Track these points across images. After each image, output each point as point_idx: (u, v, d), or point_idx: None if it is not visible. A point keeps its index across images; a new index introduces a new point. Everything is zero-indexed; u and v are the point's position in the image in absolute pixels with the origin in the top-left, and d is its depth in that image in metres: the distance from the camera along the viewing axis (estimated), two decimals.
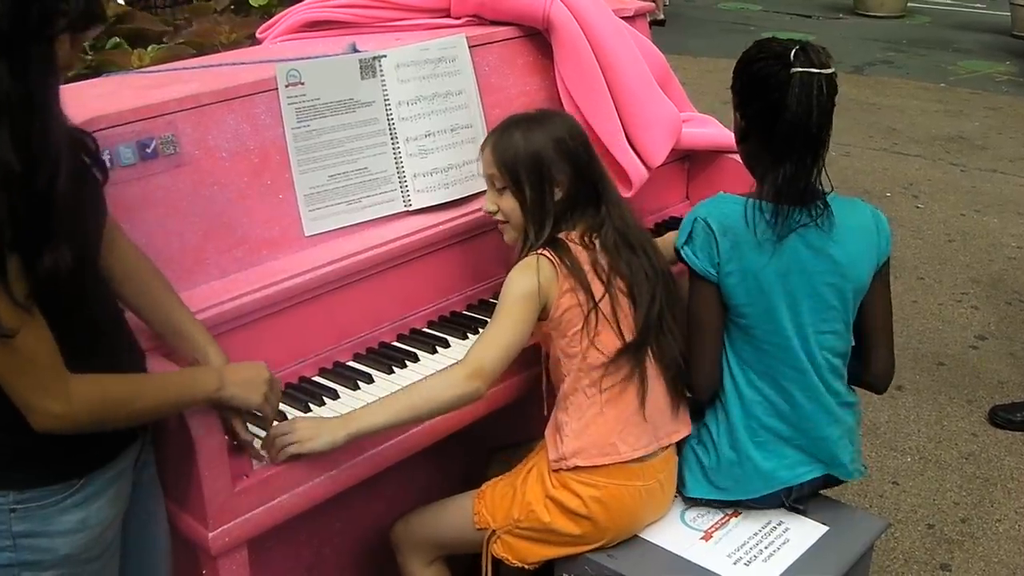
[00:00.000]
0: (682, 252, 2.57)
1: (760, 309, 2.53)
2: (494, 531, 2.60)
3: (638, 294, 2.53)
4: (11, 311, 1.72)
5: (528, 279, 2.45)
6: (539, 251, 2.50)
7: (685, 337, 2.61)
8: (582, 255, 2.51)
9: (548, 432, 2.60)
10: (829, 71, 2.45)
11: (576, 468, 2.52)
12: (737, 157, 3.38)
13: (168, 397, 2.08)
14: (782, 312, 2.53)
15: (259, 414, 2.27)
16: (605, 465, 2.52)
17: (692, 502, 2.68)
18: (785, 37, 2.54)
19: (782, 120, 2.43)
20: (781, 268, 2.50)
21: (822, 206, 2.51)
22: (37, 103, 1.72)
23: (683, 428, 2.67)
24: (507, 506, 2.60)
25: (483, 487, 2.69)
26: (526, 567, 2.61)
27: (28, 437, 1.89)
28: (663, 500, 2.65)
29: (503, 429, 2.84)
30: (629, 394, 2.53)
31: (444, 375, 2.44)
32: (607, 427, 2.52)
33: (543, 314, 2.49)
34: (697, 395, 2.65)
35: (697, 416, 2.70)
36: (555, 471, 2.55)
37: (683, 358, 2.60)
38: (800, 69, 2.41)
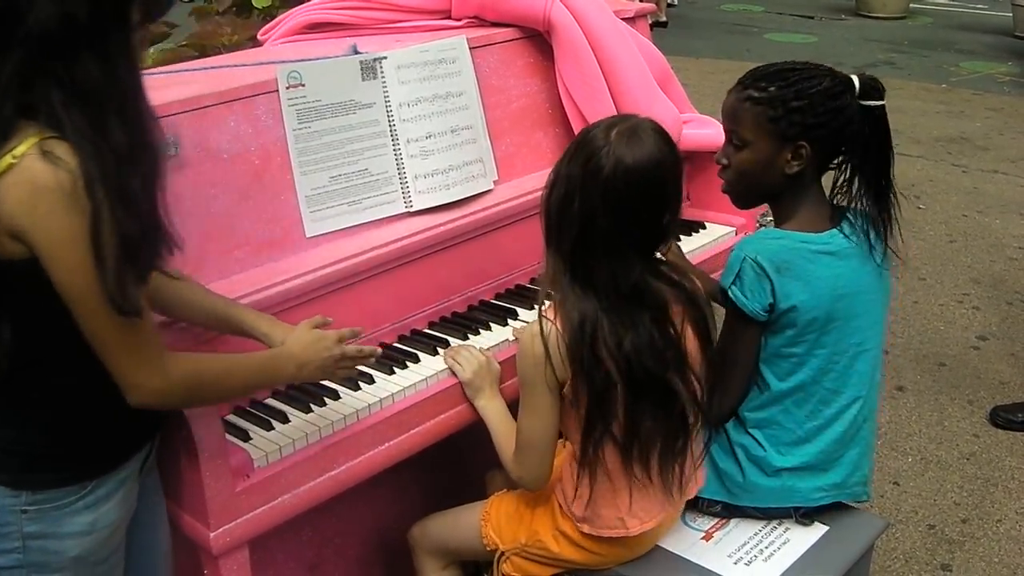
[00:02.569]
0: (730, 293, 2.47)
1: (815, 337, 2.48)
2: (503, 552, 2.60)
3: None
4: (139, 292, 1.80)
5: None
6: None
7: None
8: None
9: (562, 470, 2.52)
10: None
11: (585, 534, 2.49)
12: None
13: (254, 378, 2.19)
14: (839, 337, 2.50)
15: None
16: (613, 538, 2.48)
17: (694, 502, 2.67)
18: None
19: (872, 153, 2.49)
20: (839, 293, 2.47)
21: (864, 225, 2.52)
22: (128, 91, 1.80)
23: (697, 484, 2.60)
24: (514, 528, 2.59)
25: (488, 505, 2.67)
26: None
27: (44, 439, 1.94)
28: (674, 517, 2.62)
29: None
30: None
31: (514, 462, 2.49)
32: (616, 501, 2.42)
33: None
34: (714, 420, 2.57)
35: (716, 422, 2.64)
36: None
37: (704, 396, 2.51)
38: (878, 103, 2.46)
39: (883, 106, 2.48)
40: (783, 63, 2.53)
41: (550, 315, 2.29)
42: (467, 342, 2.71)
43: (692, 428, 2.39)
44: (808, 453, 2.57)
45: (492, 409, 2.57)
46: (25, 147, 1.70)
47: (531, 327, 2.32)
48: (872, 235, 2.51)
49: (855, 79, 2.46)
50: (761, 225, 3.43)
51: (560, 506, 2.51)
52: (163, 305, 2.21)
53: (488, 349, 2.68)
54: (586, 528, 2.47)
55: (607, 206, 2.19)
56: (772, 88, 2.46)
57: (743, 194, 2.61)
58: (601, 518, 2.44)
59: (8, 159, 1.70)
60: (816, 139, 2.45)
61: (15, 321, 1.85)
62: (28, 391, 1.91)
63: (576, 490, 2.42)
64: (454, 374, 2.61)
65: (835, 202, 2.57)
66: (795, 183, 2.50)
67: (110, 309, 1.77)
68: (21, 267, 1.76)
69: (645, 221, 2.25)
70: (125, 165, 1.77)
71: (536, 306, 2.38)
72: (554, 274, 2.31)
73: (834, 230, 2.50)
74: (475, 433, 2.63)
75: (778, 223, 2.56)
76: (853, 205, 2.53)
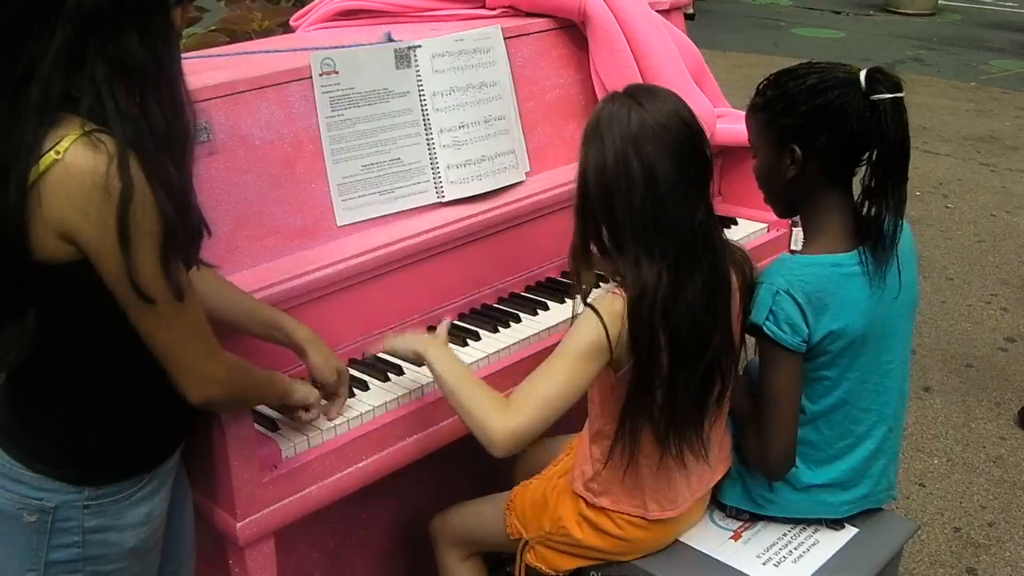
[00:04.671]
0: (765, 329, 2.36)
1: (849, 361, 2.43)
2: (527, 541, 2.58)
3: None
4: (182, 275, 1.81)
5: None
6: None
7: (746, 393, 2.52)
8: None
9: (579, 453, 2.52)
10: (903, 94, 2.33)
11: (603, 509, 2.48)
12: None
13: (267, 385, 2.19)
14: (872, 356, 2.45)
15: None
16: (632, 515, 2.47)
17: (721, 505, 2.65)
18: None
19: (877, 151, 2.34)
20: (870, 316, 2.41)
21: (892, 236, 2.40)
22: (167, 70, 1.81)
23: (724, 467, 2.58)
24: (538, 516, 2.57)
25: (513, 494, 2.66)
26: (558, 574, 2.59)
27: (105, 436, 1.95)
28: (699, 510, 2.60)
29: None
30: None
31: (502, 409, 2.26)
32: (638, 484, 2.42)
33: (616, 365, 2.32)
34: (769, 471, 2.51)
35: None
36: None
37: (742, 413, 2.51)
38: (886, 96, 2.29)
39: (894, 99, 2.31)
40: (789, 67, 2.47)
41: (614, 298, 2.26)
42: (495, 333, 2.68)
43: (720, 399, 2.38)
44: (838, 470, 2.54)
45: (438, 355, 2.37)
46: (67, 142, 1.70)
47: (612, 303, 2.24)
48: (887, 243, 2.40)
49: (861, 73, 2.34)
50: (793, 223, 3.38)
51: (578, 490, 2.50)
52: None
53: (517, 343, 2.67)
54: (606, 503, 2.45)
55: (666, 152, 2.19)
56: (768, 93, 2.42)
57: (769, 202, 2.56)
58: (624, 494, 2.44)
59: (51, 155, 1.69)
60: (806, 140, 2.36)
61: (65, 321, 1.85)
62: (86, 389, 1.91)
63: (602, 466, 2.42)
64: (403, 358, 2.54)
65: (865, 208, 2.43)
66: (809, 191, 2.42)
67: (168, 296, 1.78)
68: (70, 271, 1.76)
69: (697, 153, 2.25)
70: (162, 145, 1.78)
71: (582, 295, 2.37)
72: (615, 259, 2.28)
73: (860, 248, 2.40)
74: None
75: (806, 240, 2.49)
76: (876, 212, 2.41)
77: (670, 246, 2.21)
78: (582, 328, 2.26)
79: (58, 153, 1.69)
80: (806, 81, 2.36)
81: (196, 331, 1.88)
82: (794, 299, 2.34)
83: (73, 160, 1.69)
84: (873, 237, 2.38)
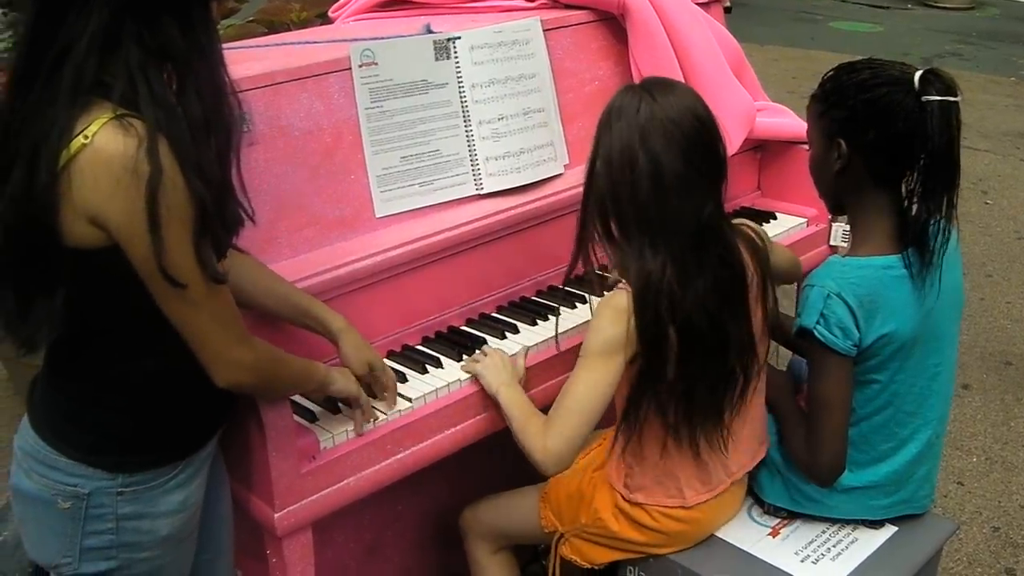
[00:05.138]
0: (816, 333, 2.33)
1: (899, 364, 2.40)
2: (562, 534, 2.57)
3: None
4: (216, 262, 1.82)
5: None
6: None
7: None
8: None
9: (613, 449, 2.50)
10: (959, 98, 2.28)
11: (639, 504, 2.47)
12: None
13: (301, 373, 2.18)
14: (921, 358, 2.43)
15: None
16: (669, 506, 2.46)
17: (761, 501, 2.63)
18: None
19: (921, 154, 2.29)
20: (921, 315, 2.38)
21: (943, 247, 2.36)
22: (206, 58, 1.82)
23: (761, 451, 2.57)
24: (574, 509, 2.56)
25: (547, 486, 2.64)
26: (594, 567, 2.59)
27: (139, 422, 1.96)
28: (735, 502, 2.59)
29: None
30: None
31: (543, 435, 2.34)
32: (672, 471, 2.41)
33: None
34: (820, 478, 2.49)
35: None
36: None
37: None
38: (936, 98, 2.25)
39: (942, 102, 2.26)
40: (851, 60, 2.43)
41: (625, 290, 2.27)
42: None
43: (743, 389, 2.36)
44: (881, 473, 2.52)
45: (510, 394, 2.46)
46: (96, 125, 1.70)
47: (617, 299, 2.27)
48: (933, 249, 2.35)
49: (917, 73, 2.29)
50: (832, 218, 3.36)
51: (615, 486, 2.49)
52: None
53: (560, 335, 2.64)
54: (641, 498, 2.44)
55: (673, 146, 2.19)
56: (826, 85, 2.41)
57: (820, 196, 2.54)
58: (657, 484, 2.43)
59: (80, 140, 1.70)
60: (851, 135, 2.34)
61: (99, 306, 1.86)
62: (121, 374, 1.92)
63: (624, 461, 2.43)
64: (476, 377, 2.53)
65: (913, 209, 2.39)
66: (855, 189, 2.40)
67: (201, 281, 1.79)
68: (101, 256, 1.77)
69: (708, 151, 2.24)
70: (199, 133, 1.78)
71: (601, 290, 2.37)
72: (621, 250, 2.29)
73: (905, 252, 2.37)
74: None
75: (854, 242, 2.46)
76: (921, 216, 2.36)
77: (675, 239, 2.21)
78: (593, 328, 2.30)
79: (87, 137, 1.69)
80: (859, 75, 2.34)
81: (224, 317, 1.89)
82: (845, 302, 2.31)
83: (102, 144, 1.69)
84: (918, 241, 2.35)
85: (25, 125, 1.74)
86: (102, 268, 1.79)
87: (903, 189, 2.37)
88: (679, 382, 2.27)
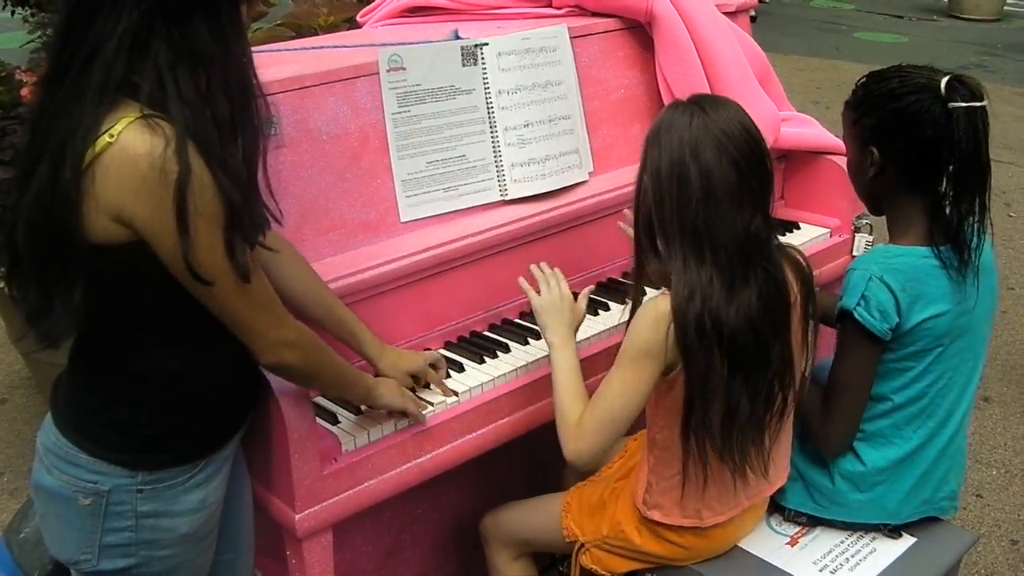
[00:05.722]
0: (856, 315, 2.37)
1: (933, 356, 2.43)
2: (582, 543, 2.57)
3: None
4: (247, 257, 1.84)
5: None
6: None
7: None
8: None
9: (640, 462, 2.51)
10: (986, 103, 2.33)
11: (656, 522, 2.46)
12: (837, 159, 3.34)
13: (346, 374, 2.23)
14: (957, 351, 2.46)
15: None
16: (685, 526, 2.45)
17: (780, 508, 2.64)
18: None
19: (949, 159, 2.33)
20: (958, 311, 2.41)
21: (979, 247, 2.41)
22: (235, 59, 1.84)
23: (781, 478, 2.56)
24: (596, 520, 2.56)
25: (569, 496, 2.65)
26: None
27: (159, 420, 1.97)
28: (755, 518, 2.59)
29: None
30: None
31: (574, 431, 2.34)
32: (693, 493, 2.38)
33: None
34: (829, 450, 2.53)
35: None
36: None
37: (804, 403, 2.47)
38: (963, 104, 2.30)
39: (975, 108, 2.32)
40: (882, 68, 2.48)
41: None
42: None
43: (782, 412, 2.35)
44: (906, 472, 2.53)
45: (563, 355, 2.46)
46: (122, 125, 1.72)
47: (658, 303, 2.25)
48: (967, 250, 2.41)
49: (943, 80, 2.34)
50: (856, 229, 3.37)
51: (635, 496, 2.49)
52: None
53: (579, 343, 2.60)
54: (658, 516, 2.43)
55: (725, 157, 2.18)
56: (859, 92, 2.47)
57: (859, 197, 2.60)
58: (676, 505, 2.41)
59: (106, 138, 1.72)
60: (884, 142, 2.40)
61: (120, 302, 1.88)
62: (143, 372, 1.94)
63: (655, 479, 2.41)
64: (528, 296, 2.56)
65: (947, 211, 2.43)
66: (891, 192, 2.46)
67: (233, 278, 1.82)
68: (125, 251, 1.79)
69: (759, 163, 2.24)
70: (226, 134, 1.80)
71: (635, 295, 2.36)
72: (664, 262, 2.27)
73: (939, 248, 2.41)
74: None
75: (892, 237, 2.50)
76: (954, 220, 2.41)
77: (722, 251, 2.19)
78: (631, 333, 2.28)
79: (112, 136, 1.71)
80: (888, 84, 2.39)
81: (262, 300, 1.92)
82: (888, 286, 2.36)
83: (128, 143, 1.71)
84: (953, 241, 2.39)
85: (53, 123, 1.76)
86: (124, 263, 1.81)
87: (937, 193, 2.41)
88: (721, 398, 2.25)
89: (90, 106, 1.73)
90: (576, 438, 2.33)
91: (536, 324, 2.60)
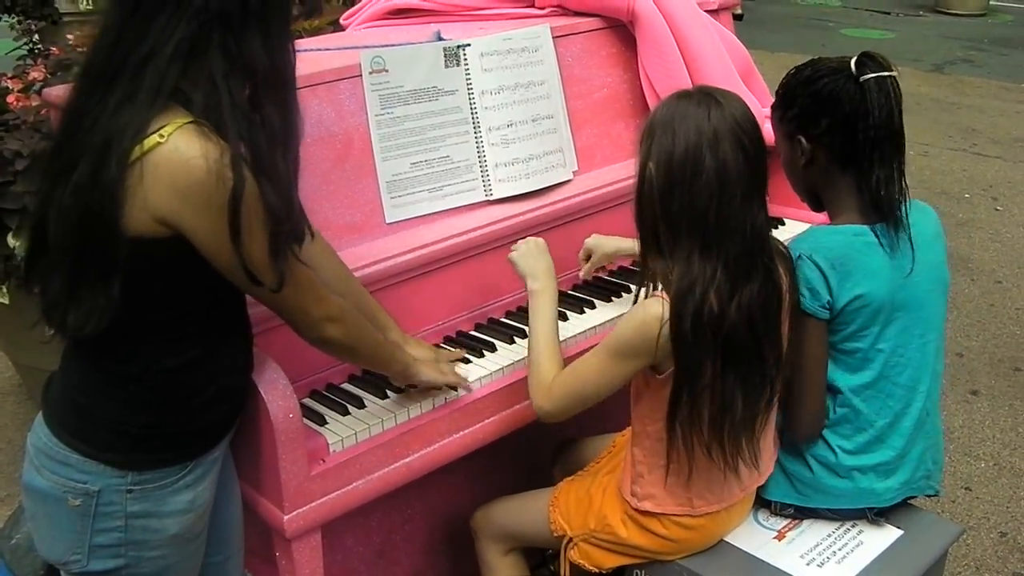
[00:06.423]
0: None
1: (878, 330, 2.46)
2: (571, 538, 2.59)
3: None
4: (288, 265, 1.91)
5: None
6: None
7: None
8: None
9: (626, 456, 2.52)
10: (895, 73, 2.43)
11: (647, 512, 2.47)
12: None
13: (382, 350, 2.33)
14: (901, 328, 2.48)
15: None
16: (678, 514, 2.46)
17: (766, 502, 2.65)
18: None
19: (866, 128, 2.39)
20: (894, 285, 2.44)
21: (906, 212, 2.46)
22: (284, 72, 1.89)
23: (769, 468, 2.57)
24: (583, 514, 2.57)
25: (557, 491, 2.66)
26: (602, 571, 2.60)
27: (150, 420, 1.98)
28: (743, 511, 2.60)
29: (573, 422, 2.82)
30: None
31: (544, 390, 2.42)
32: (683, 482, 2.39)
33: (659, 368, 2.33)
34: (800, 434, 2.54)
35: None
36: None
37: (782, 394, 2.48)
38: (872, 75, 2.38)
39: (884, 77, 2.40)
40: (795, 65, 2.56)
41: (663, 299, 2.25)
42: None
43: (769, 403, 2.37)
44: (878, 452, 2.54)
45: (543, 300, 2.54)
46: (172, 127, 1.75)
47: (648, 307, 2.25)
48: (895, 214, 2.46)
49: (852, 59, 2.42)
50: None
51: (624, 494, 2.50)
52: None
53: (564, 342, 2.63)
54: (650, 506, 2.44)
55: (741, 150, 2.19)
56: (778, 91, 2.57)
57: (800, 198, 2.66)
58: (668, 495, 2.43)
59: (155, 138, 1.75)
60: (808, 128, 2.47)
61: (129, 297, 1.87)
62: (138, 372, 1.95)
63: (635, 469, 2.44)
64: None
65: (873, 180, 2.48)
66: (824, 177, 2.51)
67: (277, 280, 1.89)
68: (154, 247, 1.81)
69: (763, 157, 2.26)
70: (278, 144, 1.85)
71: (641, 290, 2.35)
72: (664, 256, 2.27)
73: (880, 224, 2.45)
74: (545, 425, 2.63)
75: (830, 219, 2.55)
76: (880, 187, 2.46)
77: (729, 245, 2.19)
78: (622, 327, 2.29)
79: (162, 137, 1.74)
80: (803, 73, 2.50)
81: (303, 284, 1.99)
82: (816, 264, 2.41)
83: (182, 145, 1.74)
84: (882, 211, 2.45)
85: (98, 122, 1.78)
86: (144, 257, 1.82)
87: (862, 167, 2.47)
88: (716, 393, 2.26)
89: (140, 108, 1.76)
90: (546, 398, 2.42)
91: (522, 323, 2.62)
